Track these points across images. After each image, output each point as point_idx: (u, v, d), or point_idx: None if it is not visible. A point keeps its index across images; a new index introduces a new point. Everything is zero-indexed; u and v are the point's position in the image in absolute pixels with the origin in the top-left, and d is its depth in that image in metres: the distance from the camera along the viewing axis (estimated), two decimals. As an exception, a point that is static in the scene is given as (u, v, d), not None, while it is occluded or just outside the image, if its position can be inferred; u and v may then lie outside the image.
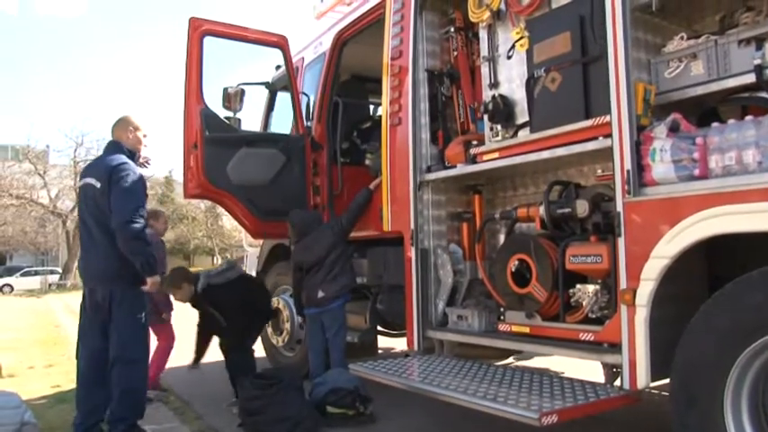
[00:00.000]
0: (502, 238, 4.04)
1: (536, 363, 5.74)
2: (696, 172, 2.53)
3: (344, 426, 4.13)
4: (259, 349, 5.93)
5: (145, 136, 4.12)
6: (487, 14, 3.73)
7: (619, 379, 2.93)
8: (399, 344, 6.28)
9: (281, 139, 5.39)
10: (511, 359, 5.81)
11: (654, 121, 2.78)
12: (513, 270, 3.53)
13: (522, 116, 3.59)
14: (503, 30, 3.74)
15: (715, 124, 2.57)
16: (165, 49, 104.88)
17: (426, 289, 4.09)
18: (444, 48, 4.41)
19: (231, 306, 4.70)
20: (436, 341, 4.14)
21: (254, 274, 6.57)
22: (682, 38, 2.90)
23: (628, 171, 2.75)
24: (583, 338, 3.12)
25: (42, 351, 8.49)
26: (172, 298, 5.07)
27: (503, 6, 3.66)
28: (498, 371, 3.60)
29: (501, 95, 3.69)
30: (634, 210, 2.75)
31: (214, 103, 4.97)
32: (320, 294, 4.64)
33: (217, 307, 4.75)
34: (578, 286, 3.20)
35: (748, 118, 2.52)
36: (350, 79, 6.14)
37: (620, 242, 2.79)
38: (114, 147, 4.00)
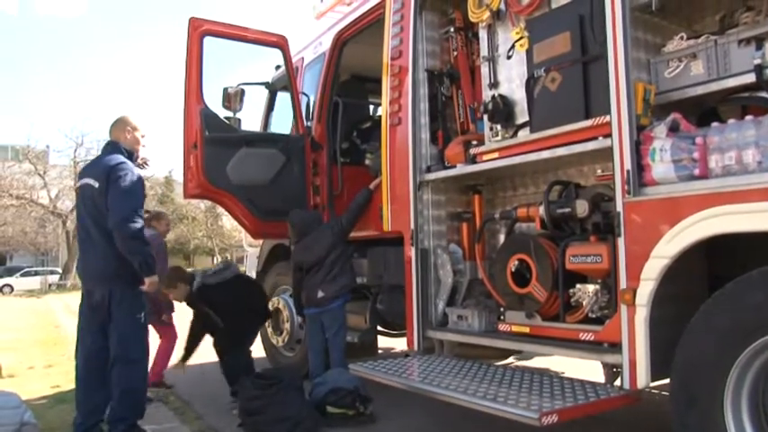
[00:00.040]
0: (502, 238, 4.04)
1: (536, 363, 5.74)
2: (696, 172, 2.53)
3: (344, 426, 4.13)
4: (259, 349, 5.95)
5: (143, 136, 4.12)
6: (487, 14, 3.74)
7: (619, 379, 2.93)
8: (399, 344, 6.28)
9: (281, 139, 5.39)
10: (511, 359, 5.82)
11: (654, 121, 2.78)
12: (513, 270, 3.53)
13: (521, 116, 3.59)
14: (502, 30, 3.74)
15: (715, 124, 2.57)
16: (165, 49, 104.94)
17: (426, 289, 4.09)
18: (444, 48, 4.41)
19: (226, 306, 4.70)
20: (436, 341, 4.14)
21: (254, 274, 6.58)
22: (681, 38, 2.90)
23: (628, 171, 2.75)
24: (583, 338, 3.12)
25: (42, 351, 8.49)
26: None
27: (502, 6, 3.66)
28: (498, 371, 3.60)
29: (501, 95, 3.69)
30: (634, 210, 2.75)
31: (214, 103, 4.98)
32: (320, 294, 4.64)
33: (212, 307, 4.75)
34: (578, 286, 3.20)
35: (748, 118, 2.52)
36: (350, 79, 6.14)
37: (620, 242, 2.79)
38: (112, 147, 4.00)
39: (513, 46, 3.61)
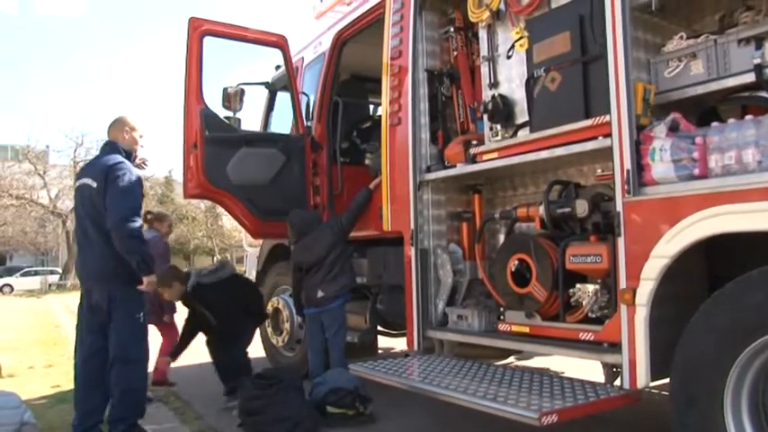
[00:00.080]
0: (502, 237, 4.04)
1: (536, 363, 5.75)
2: (696, 171, 2.53)
3: (344, 426, 4.13)
4: (259, 349, 5.95)
5: (141, 136, 4.12)
6: (487, 14, 3.74)
7: (619, 378, 2.93)
8: (399, 344, 6.28)
9: (281, 138, 5.38)
10: (511, 359, 5.82)
11: (653, 121, 2.78)
12: (513, 270, 3.53)
13: (521, 116, 3.59)
14: (502, 30, 3.74)
15: (715, 124, 2.57)
16: (165, 49, 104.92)
17: (426, 289, 4.09)
18: (444, 48, 4.41)
19: (221, 306, 4.70)
20: (436, 341, 4.14)
21: (254, 274, 6.57)
22: (681, 37, 2.90)
23: (627, 171, 2.75)
24: (583, 338, 3.12)
25: (42, 351, 8.49)
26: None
27: (502, 6, 3.65)
28: (498, 371, 3.60)
29: (501, 95, 3.69)
30: (634, 209, 2.75)
31: (214, 103, 4.98)
32: (320, 294, 4.64)
33: (206, 306, 4.75)
34: (578, 286, 3.20)
35: (748, 117, 2.52)
36: (350, 79, 6.14)
37: (620, 242, 2.79)
38: (110, 147, 4.00)
39: (512, 46, 3.61)
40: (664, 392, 2.85)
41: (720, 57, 2.69)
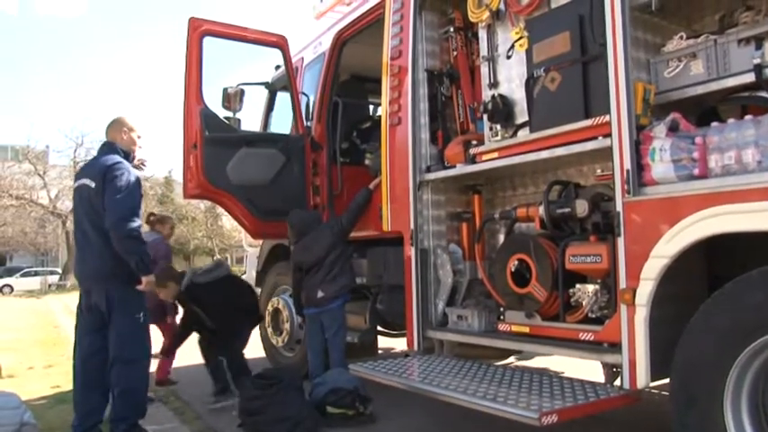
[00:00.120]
0: (501, 237, 4.04)
1: (536, 363, 5.75)
2: (696, 171, 2.53)
3: (344, 426, 4.13)
4: (259, 349, 5.95)
5: (139, 137, 4.12)
6: (487, 14, 3.74)
7: (619, 379, 2.93)
8: (399, 344, 6.27)
9: (281, 139, 5.38)
10: (511, 359, 5.82)
11: (653, 121, 2.78)
12: (513, 270, 3.52)
13: (521, 116, 3.59)
14: (502, 30, 3.74)
15: (714, 124, 2.57)
16: (165, 49, 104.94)
17: (426, 289, 4.09)
18: (444, 48, 4.41)
19: (215, 306, 4.70)
20: (436, 341, 4.14)
21: (253, 274, 6.57)
22: (681, 37, 2.90)
23: (627, 171, 2.75)
24: (583, 338, 3.12)
25: (42, 351, 8.49)
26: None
27: (502, 6, 3.66)
28: (498, 371, 3.60)
29: (500, 95, 3.69)
30: (633, 209, 2.75)
31: (214, 103, 4.98)
32: (320, 294, 4.64)
33: (200, 305, 4.74)
34: (578, 286, 3.20)
35: (748, 117, 2.52)
36: (349, 79, 6.14)
37: (620, 242, 2.79)
38: (109, 147, 4.00)
39: (512, 46, 3.61)
40: (664, 392, 2.85)
41: (720, 57, 2.69)
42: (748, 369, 2.35)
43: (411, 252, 4.12)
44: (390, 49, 4.41)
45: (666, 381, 2.68)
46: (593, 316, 3.12)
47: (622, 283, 2.78)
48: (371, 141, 5.35)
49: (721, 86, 2.69)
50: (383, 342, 5.99)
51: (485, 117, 3.78)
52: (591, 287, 3.13)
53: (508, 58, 3.67)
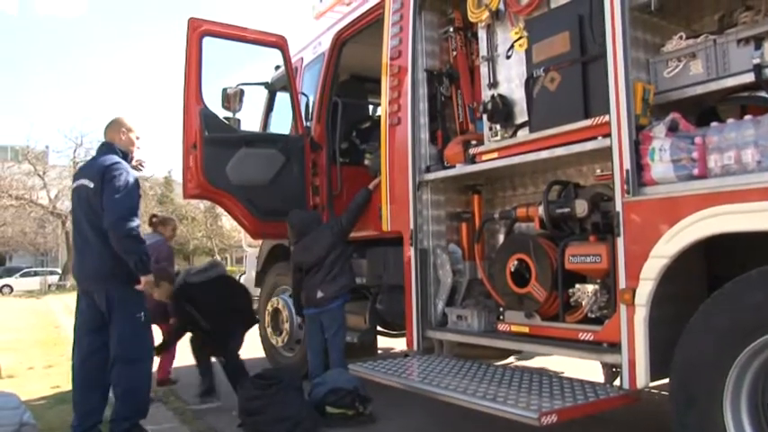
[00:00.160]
0: (501, 237, 4.04)
1: (536, 363, 5.75)
2: (695, 171, 2.53)
3: (344, 426, 4.13)
4: (259, 349, 5.95)
5: (138, 137, 4.12)
6: (486, 14, 3.74)
7: (618, 379, 2.93)
8: (399, 344, 6.27)
9: (281, 139, 5.38)
10: (511, 359, 5.82)
11: (653, 121, 2.78)
12: (513, 270, 3.53)
13: (521, 116, 3.59)
14: (502, 30, 3.74)
15: (714, 124, 2.57)
16: (165, 49, 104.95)
17: (426, 289, 4.09)
18: (443, 48, 4.41)
19: (208, 306, 4.68)
20: (436, 341, 4.14)
21: (253, 274, 6.57)
22: (681, 37, 2.90)
23: (627, 171, 2.75)
24: (582, 338, 3.12)
25: (42, 352, 8.49)
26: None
27: (501, 6, 3.66)
28: (498, 371, 3.60)
29: (500, 95, 3.69)
30: (633, 209, 2.75)
31: (213, 103, 4.97)
32: (319, 295, 4.64)
33: (194, 305, 4.73)
34: (578, 286, 3.20)
35: (747, 117, 2.52)
36: (349, 79, 6.14)
37: (620, 242, 2.79)
38: (107, 148, 4.00)
39: (512, 46, 3.61)
40: (663, 392, 2.85)
41: (720, 57, 2.69)
42: (748, 369, 2.35)
43: (411, 252, 4.12)
44: (390, 49, 4.41)
45: (666, 381, 2.68)
46: (593, 316, 3.12)
47: (622, 283, 2.78)
48: (371, 141, 5.34)
49: (721, 86, 2.69)
50: (383, 342, 5.99)
51: (484, 117, 3.78)
52: (590, 287, 3.13)
53: (508, 58, 3.67)
